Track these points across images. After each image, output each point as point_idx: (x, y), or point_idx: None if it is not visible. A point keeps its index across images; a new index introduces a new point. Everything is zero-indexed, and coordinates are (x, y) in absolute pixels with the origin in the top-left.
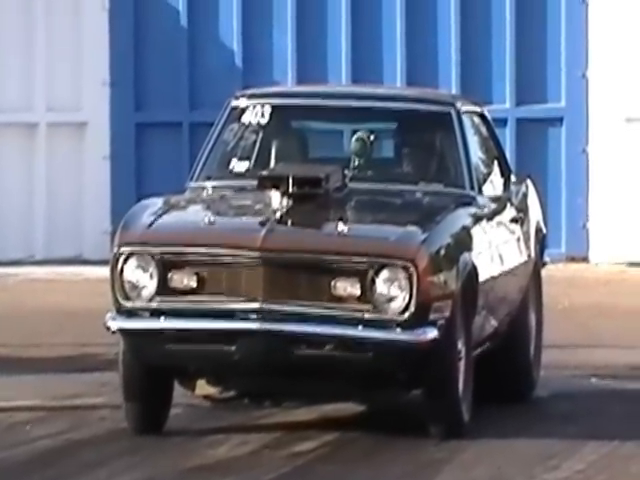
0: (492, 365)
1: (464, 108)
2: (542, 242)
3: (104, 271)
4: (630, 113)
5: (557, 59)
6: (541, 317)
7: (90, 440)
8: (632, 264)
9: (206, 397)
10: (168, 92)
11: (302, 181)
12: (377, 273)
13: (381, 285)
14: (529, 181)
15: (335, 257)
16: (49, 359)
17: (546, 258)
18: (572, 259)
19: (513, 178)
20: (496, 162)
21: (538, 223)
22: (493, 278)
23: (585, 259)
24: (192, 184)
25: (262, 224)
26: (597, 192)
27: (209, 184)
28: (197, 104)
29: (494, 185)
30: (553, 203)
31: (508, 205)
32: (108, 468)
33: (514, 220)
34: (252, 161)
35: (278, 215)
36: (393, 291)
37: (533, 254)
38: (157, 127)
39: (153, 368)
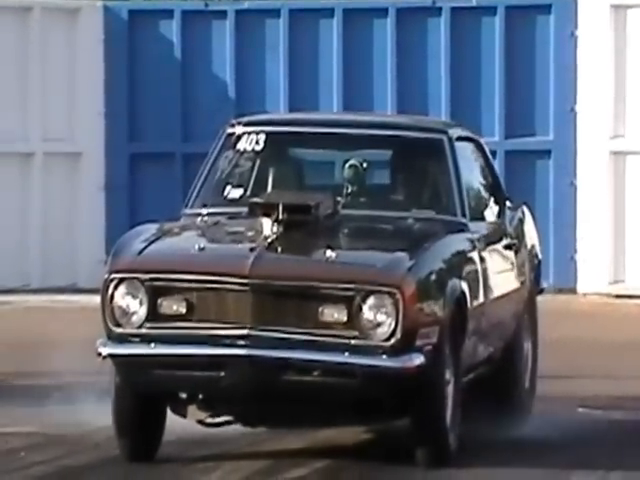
0: (485, 391)
1: (457, 135)
2: (537, 268)
3: (99, 299)
4: (618, 146)
5: (546, 92)
6: (536, 343)
7: (84, 467)
8: (619, 296)
9: (199, 422)
10: (161, 123)
11: (292, 208)
12: (364, 300)
13: (368, 312)
14: (525, 208)
15: (322, 284)
16: (44, 387)
17: (543, 284)
18: (560, 290)
19: (509, 204)
20: (490, 189)
21: (534, 249)
22: (484, 304)
23: (573, 291)
24: (187, 211)
25: (251, 251)
26: (585, 224)
27: (204, 211)
28: (190, 135)
29: (487, 212)
30: (541, 235)
31: (501, 231)
32: None
33: (508, 246)
34: (247, 188)
35: (267, 242)
36: (379, 317)
37: (528, 280)
38: (151, 158)
39: (145, 395)
